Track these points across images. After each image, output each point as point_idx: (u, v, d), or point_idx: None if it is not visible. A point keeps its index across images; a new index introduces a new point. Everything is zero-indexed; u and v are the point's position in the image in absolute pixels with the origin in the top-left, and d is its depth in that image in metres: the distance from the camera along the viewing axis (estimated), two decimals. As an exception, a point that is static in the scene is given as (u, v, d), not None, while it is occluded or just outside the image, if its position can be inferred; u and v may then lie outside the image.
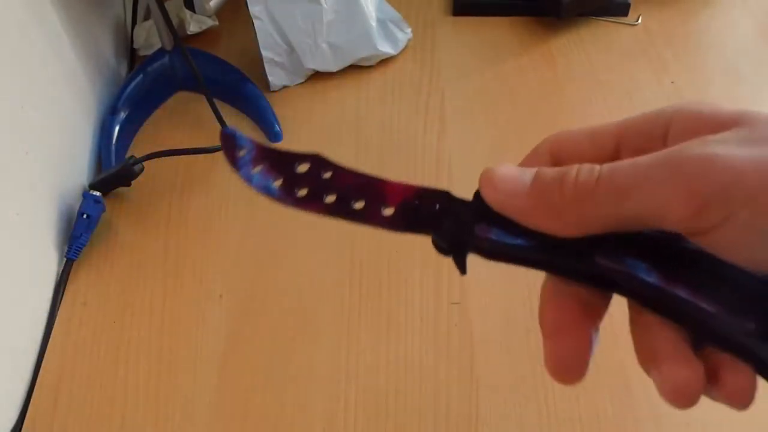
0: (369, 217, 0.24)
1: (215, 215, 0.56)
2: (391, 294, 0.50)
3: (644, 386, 0.44)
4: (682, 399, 0.21)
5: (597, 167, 0.21)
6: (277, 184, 0.24)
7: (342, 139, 0.61)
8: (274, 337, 0.48)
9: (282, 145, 0.61)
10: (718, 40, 0.69)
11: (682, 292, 0.21)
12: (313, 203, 0.24)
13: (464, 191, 0.24)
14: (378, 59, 0.66)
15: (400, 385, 0.45)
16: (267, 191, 0.24)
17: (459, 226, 0.23)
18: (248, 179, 0.24)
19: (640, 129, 0.23)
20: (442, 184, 0.24)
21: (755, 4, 0.73)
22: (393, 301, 0.50)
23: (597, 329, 0.23)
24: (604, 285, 0.23)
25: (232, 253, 0.53)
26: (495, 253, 0.23)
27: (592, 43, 0.69)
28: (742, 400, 0.21)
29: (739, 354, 0.21)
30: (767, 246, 0.20)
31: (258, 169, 0.24)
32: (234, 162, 0.24)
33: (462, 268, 0.24)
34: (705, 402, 0.48)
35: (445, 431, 0.43)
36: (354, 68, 0.66)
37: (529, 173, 0.22)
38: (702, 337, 0.21)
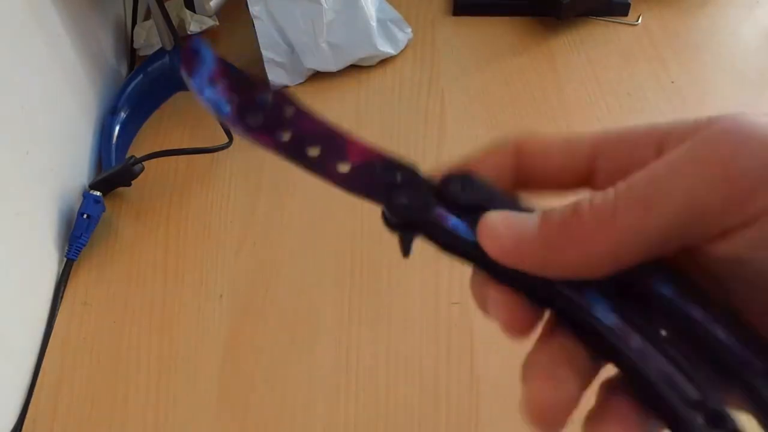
0: (322, 168, 0.22)
1: (215, 215, 0.56)
2: (391, 294, 0.50)
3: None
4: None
5: (610, 188, 0.18)
6: (231, 105, 0.22)
7: (342, 139, 0.61)
8: (274, 337, 0.48)
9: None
10: (719, 40, 0.69)
11: (635, 343, 0.19)
12: (264, 136, 0.22)
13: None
14: (378, 59, 0.66)
15: (400, 385, 0.45)
16: (217, 109, 0.22)
17: (416, 203, 0.21)
18: (199, 91, 0.22)
19: (626, 138, 0.21)
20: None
21: (755, 4, 0.73)
22: (393, 301, 0.50)
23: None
24: (553, 309, 0.21)
25: (232, 253, 0.53)
26: (447, 244, 0.21)
27: (592, 43, 0.69)
28: None
29: (667, 416, 0.19)
30: None
31: (213, 85, 0.22)
32: (190, 71, 0.22)
33: (407, 249, 0.22)
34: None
35: (445, 431, 0.43)
36: (354, 68, 0.66)
37: (531, 217, 0.19)
38: (641, 397, 0.19)
